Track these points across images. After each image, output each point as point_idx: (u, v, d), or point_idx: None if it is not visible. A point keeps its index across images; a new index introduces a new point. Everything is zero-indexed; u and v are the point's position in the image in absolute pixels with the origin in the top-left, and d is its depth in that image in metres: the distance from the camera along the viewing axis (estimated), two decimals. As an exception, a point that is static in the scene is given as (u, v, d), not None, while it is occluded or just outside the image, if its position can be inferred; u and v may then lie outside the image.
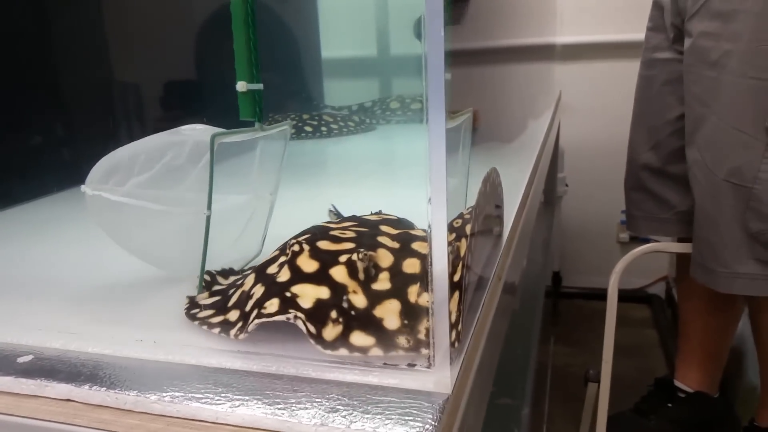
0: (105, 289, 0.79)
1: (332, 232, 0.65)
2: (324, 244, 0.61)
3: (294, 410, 0.49)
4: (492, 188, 0.69)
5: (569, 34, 2.70)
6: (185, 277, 0.72)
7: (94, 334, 0.62)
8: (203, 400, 0.51)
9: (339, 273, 0.57)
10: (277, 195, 0.83)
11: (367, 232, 0.66)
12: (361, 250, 0.59)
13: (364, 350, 0.53)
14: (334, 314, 0.54)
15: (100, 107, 1.45)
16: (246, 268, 0.78)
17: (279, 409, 0.49)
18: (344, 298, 0.56)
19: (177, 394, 0.51)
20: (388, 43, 2.20)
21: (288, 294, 0.56)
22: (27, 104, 1.24)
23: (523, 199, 1.09)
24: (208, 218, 0.65)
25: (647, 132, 1.48)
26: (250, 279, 0.63)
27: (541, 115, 1.87)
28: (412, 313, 0.55)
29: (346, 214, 0.91)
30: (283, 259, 0.61)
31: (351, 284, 0.57)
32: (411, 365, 0.53)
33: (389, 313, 0.55)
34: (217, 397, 0.51)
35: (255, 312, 0.56)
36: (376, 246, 0.61)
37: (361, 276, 0.57)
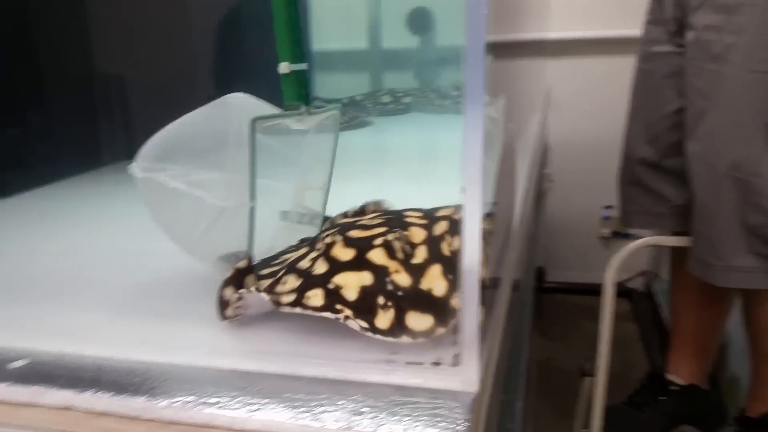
0: (102, 284, 0.75)
1: (359, 223, 0.63)
2: (355, 233, 0.59)
3: (316, 413, 0.46)
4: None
5: (557, 30, 2.69)
6: (208, 272, 0.68)
7: (93, 335, 0.59)
8: (218, 405, 0.47)
9: (377, 256, 0.56)
10: (330, 187, 0.79)
11: (393, 216, 0.65)
12: (396, 229, 0.58)
13: (425, 334, 0.51)
14: (381, 300, 0.53)
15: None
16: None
17: (300, 412, 0.46)
18: (387, 280, 0.54)
19: (188, 399, 0.48)
20: (379, 36, 2.17)
21: (331, 286, 0.54)
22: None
23: (524, 195, 1.07)
24: (252, 210, 0.61)
25: (644, 126, 1.47)
26: (281, 274, 0.61)
27: (535, 111, 1.86)
28: (454, 268, 0.53)
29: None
30: (314, 254, 0.59)
31: (392, 265, 0.55)
32: (436, 363, 0.51)
33: (435, 280, 0.54)
34: (232, 402, 0.48)
35: (294, 296, 0.54)
36: (406, 226, 0.60)
37: (400, 255, 0.56)
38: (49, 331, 0.60)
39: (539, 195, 2.60)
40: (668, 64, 1.39)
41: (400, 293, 0.53)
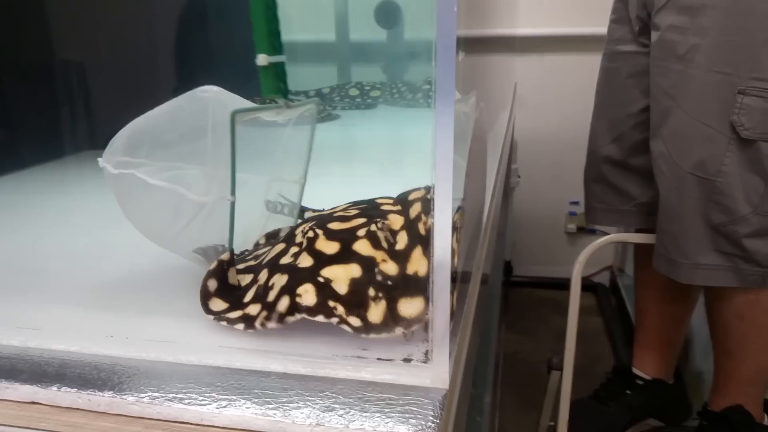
0: (68, 278, 0.73)
1: (336, 215, 0.62)
2: (335, 225, 0.59)
3: (287, 409, 0.45)
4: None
5: (525, 26, 2.71)
6: (177, 265, 0.67)
7: (59, 329, 0.58)
8: (186, 401, 0.47)
9: (363, 247, 0.56)
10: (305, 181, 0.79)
11: (368, 206, 0.65)
12: (377, 219, 0.57)
13: (418, 319, 0.51)
14: (372, 292, 0.52)
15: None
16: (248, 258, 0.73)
17: (270, 408, 0.46)
18: (376, 271, 0.54)
19: (156, 394, 0.48)
20: (347, 27, 2.16)
21: (320, 279, 0.53)
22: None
23: (494, 190, 1.08)
24: (233, 204, 0.60)
25: (609, 124, 1.49)
26: (264, 274, 0.60)
27: (504, 106, 1.87)
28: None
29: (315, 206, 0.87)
30: (295, 249, 0.58)
31: (378, 255, 0.55)
32: (407, 360, 0.51)
33: (419, 262, 0.54)
34: (200, 397, 0.47)
35: (286, 299, 0.53)
36: (384, 214, 0.60)
37: (385, 244, 0.56)
38: (12, 324, 0.59)
39: (507, 190, 2.62)
40: (633, 63, 1.41)
41: (389, 282, 0.53)
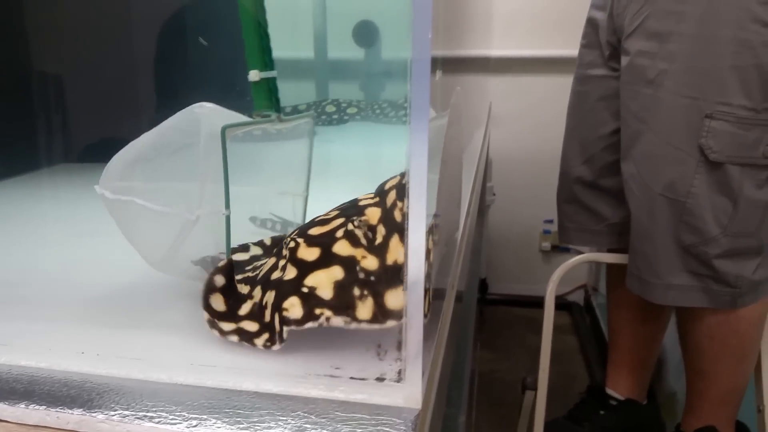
0: (40, 292, 0.72)
1: (318, 220, 0.63)
2: (315, 230, 0.59)
3: (258, 429, 0.45)
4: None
5: (499, 48, 2.74)
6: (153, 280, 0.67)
7: (28, 345, 0.57)
8: (156, 420, 0.46)
9: (343, 248, 0.56)
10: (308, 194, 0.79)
11: (348, 205, 0.65)
12: (354, 218, 0.58)
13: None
14: (357, 291, 0.53)
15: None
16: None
17: (241, 428, 0.46)
18: (357, 269, 0.54)
19: (126, 412, 0.47)
20: (325, 46, 2.17)
21: (305, 290, 0.53)
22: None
23: (468, 207, 1.09)
24: (228, 218, 0.60)
25: (580, 146, 1.51)
26: (258, 291, 0.60)
27: (479, 125, 1.89)
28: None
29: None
30: (282, 262, 0.59)
31: (358, 252, 0.55)
32: (380, 379, 0.51)
33: (398, 249, 0.54)
34: (171, 416, 0.47)
35: (277, 317, 0.53)
36: (362, 210, 0.60)
37: (364, 241, 0.56)
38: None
39: (482, 208, 2.64)
40: (603, 86, 1.44)
41: (372, 278, 0.53)
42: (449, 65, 0.67)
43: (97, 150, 1.31)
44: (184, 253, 0.65)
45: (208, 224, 0.63)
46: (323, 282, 0.54)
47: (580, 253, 1.55)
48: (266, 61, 0.66)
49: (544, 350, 1.47)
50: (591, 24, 1.47)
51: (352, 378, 0.51)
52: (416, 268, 0.47)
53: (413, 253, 0.47)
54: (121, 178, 0.63)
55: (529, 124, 2.86)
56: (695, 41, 1.19)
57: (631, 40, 1.28)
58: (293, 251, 0.57)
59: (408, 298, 0.48)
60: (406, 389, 0.49)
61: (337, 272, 0.54)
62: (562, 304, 3.07)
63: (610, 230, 1.51)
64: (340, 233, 0.57)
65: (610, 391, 1.62)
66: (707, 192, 1.22)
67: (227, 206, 0.60)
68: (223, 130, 0.58)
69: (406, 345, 0.49)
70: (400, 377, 0.50)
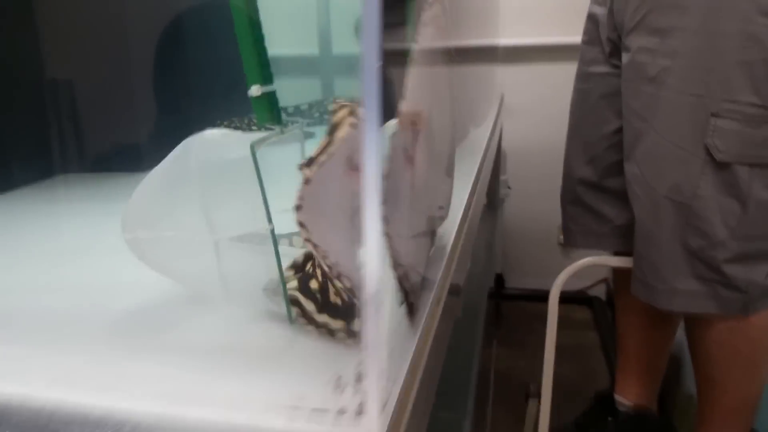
0: (20, 312, 0.69)
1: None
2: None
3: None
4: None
5: (510, 36, 2.68)
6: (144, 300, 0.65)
7: (3, 371, 0.54)
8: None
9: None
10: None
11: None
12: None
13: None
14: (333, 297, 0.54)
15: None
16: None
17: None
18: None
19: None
20: (329, 43, 2.13)
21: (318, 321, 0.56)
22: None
23: (468, 203, 1.05)
24: (272, 232, 0.58)
25: (583, 146, 1.47)
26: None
27: (485, 117, 1.84)
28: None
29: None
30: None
31: (308, 266, 0.57)
32: (341, 412, 0.47)
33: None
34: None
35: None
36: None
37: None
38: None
39: (495, 202, 2.59)
40: (605, 84, 1.39)
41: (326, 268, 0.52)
42: (460, 55, 0.63)
43: (93, 160, 1.30)
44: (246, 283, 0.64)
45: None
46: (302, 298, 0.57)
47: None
48: (266, 75, 0.64)
49: (548, 359, 1.43)
50: (591, 20, 1.43)
51: (314, 410, 0.48)
52: (373, 282, 0.42)
53: (368, 264, 0.42)
54: (142, 226, 0.62)
55: (544, 115, 2.79)
56: (699, 36, 1.13)
57: (632, 36, 1.23)
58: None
59: (365, 318, 0.43)
60: (366, 424, 0.46)
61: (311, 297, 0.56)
62: (582, 298, 3.02)
63: (616, 233, 1.46)
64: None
65: (618, 398, 1.58)
66: (714, 194, 1.16)
67: (270, 221, 0.58)
68: (252, 145, 0.56)
69: (366, 376, 0.45)
70: (360, 410, 0.46)
